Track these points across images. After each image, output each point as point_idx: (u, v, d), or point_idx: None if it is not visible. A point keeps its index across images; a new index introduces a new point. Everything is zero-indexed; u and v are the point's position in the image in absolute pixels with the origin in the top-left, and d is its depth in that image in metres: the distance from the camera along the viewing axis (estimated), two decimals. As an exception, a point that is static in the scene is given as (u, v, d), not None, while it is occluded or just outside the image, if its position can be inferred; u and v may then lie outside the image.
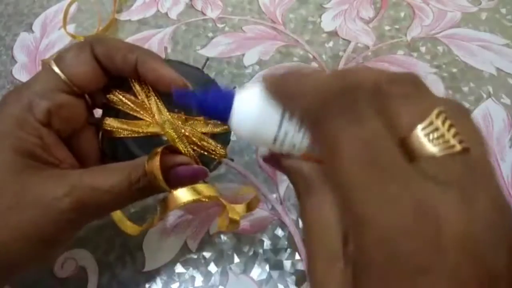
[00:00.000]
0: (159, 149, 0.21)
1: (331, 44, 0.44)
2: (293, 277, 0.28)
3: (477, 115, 0.36)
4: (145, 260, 0.30)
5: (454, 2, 0.47)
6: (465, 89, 0.38)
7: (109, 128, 0.23)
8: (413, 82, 0.13)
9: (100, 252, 0.30)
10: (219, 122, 0.23)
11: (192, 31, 0.47)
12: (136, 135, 0.23)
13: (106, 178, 0.20)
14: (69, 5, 0.48)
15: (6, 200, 0.19)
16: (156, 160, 0.20)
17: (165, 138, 0.23)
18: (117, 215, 0.28)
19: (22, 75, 0.44)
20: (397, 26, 0.45)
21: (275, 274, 0.29)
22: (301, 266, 0.29)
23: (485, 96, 0.37)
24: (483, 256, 0.11)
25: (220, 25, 0.47)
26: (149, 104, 0.23)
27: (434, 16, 0.45)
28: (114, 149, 0.24)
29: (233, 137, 0.36)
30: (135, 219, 0.28)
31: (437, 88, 0.38)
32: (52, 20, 0.50)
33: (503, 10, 0.45)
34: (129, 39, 0.46)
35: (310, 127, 0.14)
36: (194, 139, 0.23)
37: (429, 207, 0.11)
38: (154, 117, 0.23)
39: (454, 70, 0.40)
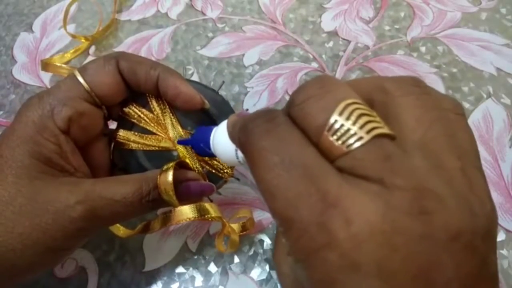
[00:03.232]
0: (172, 164, 0.22)
1: (331, 44, 0.44)
2: (293, 277, 0.28)
3: (477, 115, 0.36)
4: (145, 260, 0.30)
5: (454, 2, 0.47)
6: (465, 89, 0.38)
7: (122, 140, 0.24)
8: (318, 82, 0.14)
9: (100, 252, 0.30)
10: None
11: (192, 31, 0.47)
12: (148, 148, 0.24)
13: (119, 189, 0.21)
14: (69, 5, 0.48)
15: (18, 204, 0.19)
16: (170, 175, 0.21)
17: (175, 153, 0.24)
18: None
19: (22, 75, 0.44)
20: (397, 26, 0.45)
21: (275, 274, 0.29)
22: (301, 266, 0.29)
23: (485, 96, 0.37)
24: (406, 246, 0.11)
25: (220, 25, 0.47)
26: (164, 120, 0.24)
27: (434, 16, 0.45)
28: (124, 161, 0.25)
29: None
30: (129, 224, 0.28)
31: (437, 88, 0.38)
32: (52, 20, 0.50)
33: (503, 10, 0.45)
34: (129, 39, 0.46)
35: (240, 149, 0.15)
36: (205, 157, 0.24)
37: (336, 200, 0.11)
38: (167, 132, 0.24)
39: (454, 70, 0.40)
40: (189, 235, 0.31)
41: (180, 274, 0.29)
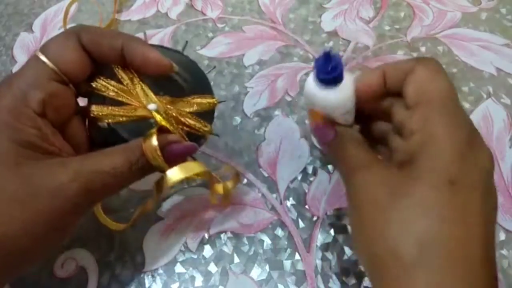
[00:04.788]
0: (154, 130, 0.22)
1: (331, 44, 0.44)
2: (293, 277, 0.28)
3: (477, 115, 0.36)
4: (145, 260, 0.30)
5: (454, 2, 0.47)
6: (465, 89, 0.38)
7: (96, 115, 0.24)
8: None
9: (100, 252, 0.30)
10: (203, 101, 0.25)
11: (192, 31, 0.47)
12: (123, 119, 0.24)
13: (107, 161, 0.21)
14: (69, 5, 0.48)
15: (10, 191, 0.19)
16: (154, 140, 0.22)
17: (152, 121, 0.24)
18: (101, 216, 0.29)
19: (22, 75, 0.44)
20: (397, 26, 0.45)
21: (275, 274, 0.29)
22: (301, 266, 0.29)
23: (485, 96, 0.37)
24: None
25: (220, 25, 0.47)
26: (135, 88, 0.24)
27: (434, 16, 0.45)
28: (102, 136, 0.25)
29: (230, 136, 0.36)
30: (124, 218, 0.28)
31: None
32: (52, 20, 0.50)
33: (503, 10, 0.45)
34: (129, 39, 0.46)
35: None
36: (182, 119, 0.24)
37: None
38: (140, 101, 0.24)
39: (454, 70, 0.40)
40: (189, 235, 0.31)
41: (180, 274, 0.29)
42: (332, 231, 0.30)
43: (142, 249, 0.30)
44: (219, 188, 0.28)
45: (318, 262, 0.29)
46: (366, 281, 0.28)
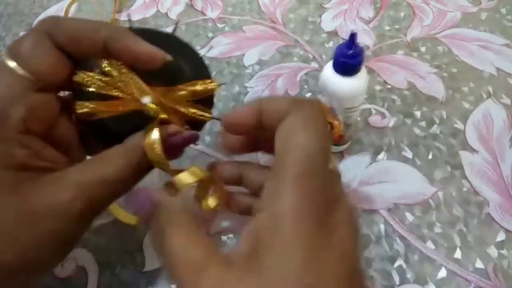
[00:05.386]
0: (155, 123, 0.20)
1: (331, 44, 0.44)
2: (293, 277, 0.28)
3: (477, 115, 0.36)
4: (145, 260, 0.30)
5: (454, 2, 0.47)
6: (465, 89, 0.38)
7: (85, 112, 0.22)
8: None
9: (100, 252, 0.30)
10: (202, 87, 0.23)
11: (192, 31, 0.47)
12: (115, 114, 0.22)
13: (108, 169, 0.19)
14: (69, 5, 0.48)
15: (11, 220, 0.18)
16: (155, 134, 0.20)
17: (147, 112, 0.22)
18: (115, 209, 0.27)
19: (22, 75, 0.44)
20: (397, 26, 0.45)
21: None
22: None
23: (485, 96, 0.37)
24: None
25: (220, 25, 0.47)
26: (124, 80, 0.22)
27: (434, 16, 0.45)
28: (94, 131, 0.23)
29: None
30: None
31: (437, 88, 0.38)
32: (52, 20, 0.50)
33: (503, 10, 0.45)
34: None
35: None
36: (181, 109, 0.22)
37: None
38: (132, 93, 0.22)
39: (454, 70, 0.40)
40: (189, 235, 0.31)
41: (180, 274, 0.29)
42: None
43: (142, 249, 0.30)
44: (212, 201, 0.27)
45: (318, 262, 0.29)
46: (366, 281, 0.28)
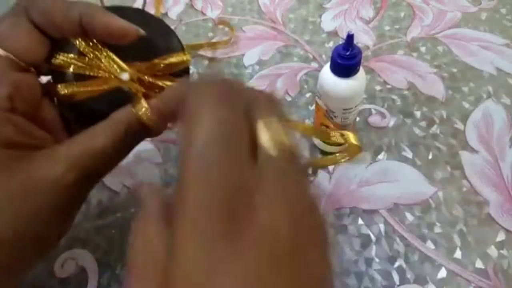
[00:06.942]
0: (140, 94, 0.22)
1: (331, 44, 0.44)
2: (293, 277, 0.28)
3: (477, 115, 0.36)
4: (145, 260, 0.30)
5: (454, 2, 0.47)
6: (465, 89, 0.38)
7: (64, 94, 0.22)
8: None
9: (100, 252, 0.30)
10: (176, 60, 0.23)
11: (192, 31, 0.47)
12: (95, 93, 0.22)
13: (97, 140, 0.20)
14: None
15: (2, 194, 0.18)
16: (144, 102, 0.21)
17: (125, 88, 0.23)
18: None
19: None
20: (397, 26, 0.45)
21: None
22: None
23: (485, 96, 0.37)
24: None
25: (220, 25, 0.47)
26: (101, 58, 0.22)
27: (434, 16, 0.45)
28: (77, 113, 0.23)
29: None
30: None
31: (437, 88, 0.38)
32: (52, 20, 0.50)
33: (503, 10, 0.45)
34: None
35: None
36: (158, 82, 0.23)
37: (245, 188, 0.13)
38: (109, 71, 0.22)
39: (454, 70, 0.40)
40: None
41: (180, 274, 0.29)
42: (332, 231, 0.30)
43: (142, 249, 0.30)
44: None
45: (318, 262, 0.29)
46: (366, 281, 0.28)
